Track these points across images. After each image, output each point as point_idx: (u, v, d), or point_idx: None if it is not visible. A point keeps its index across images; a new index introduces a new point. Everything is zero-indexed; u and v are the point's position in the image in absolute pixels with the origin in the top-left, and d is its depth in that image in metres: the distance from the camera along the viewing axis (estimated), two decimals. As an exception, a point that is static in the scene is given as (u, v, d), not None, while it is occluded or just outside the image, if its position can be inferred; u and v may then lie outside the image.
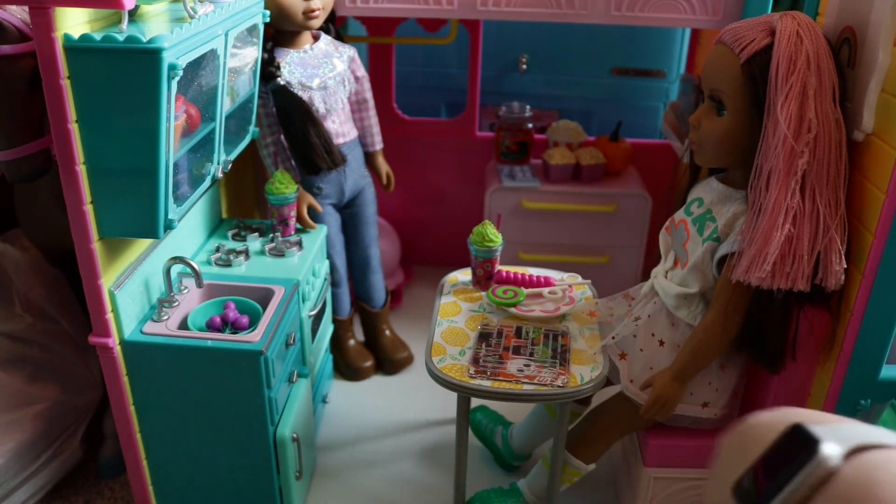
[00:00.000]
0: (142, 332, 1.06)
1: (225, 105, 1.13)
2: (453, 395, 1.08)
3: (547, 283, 1.25)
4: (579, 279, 1.29)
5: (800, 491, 0.31)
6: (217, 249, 1.31)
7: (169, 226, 0.97)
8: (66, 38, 0.82)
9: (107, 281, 0.98)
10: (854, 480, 0.30)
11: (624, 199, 1.72)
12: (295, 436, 1.15)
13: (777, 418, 0.38)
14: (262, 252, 1.33)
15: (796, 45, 0.88)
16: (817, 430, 0.32)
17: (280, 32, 1.38)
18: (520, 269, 1.29)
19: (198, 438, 1.12)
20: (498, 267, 1.27)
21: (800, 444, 0.32)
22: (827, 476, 0.30)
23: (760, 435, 0.37)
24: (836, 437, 0.32)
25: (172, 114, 0.90)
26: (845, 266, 0.92)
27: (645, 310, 1.10)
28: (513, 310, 1.18)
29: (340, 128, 1.44)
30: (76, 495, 1.30)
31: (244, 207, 1.64)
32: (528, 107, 1.78)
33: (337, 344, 1.60)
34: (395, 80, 1.85)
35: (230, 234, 1.39)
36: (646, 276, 1.25)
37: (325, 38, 1.44)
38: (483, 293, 1.26)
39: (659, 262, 1.10)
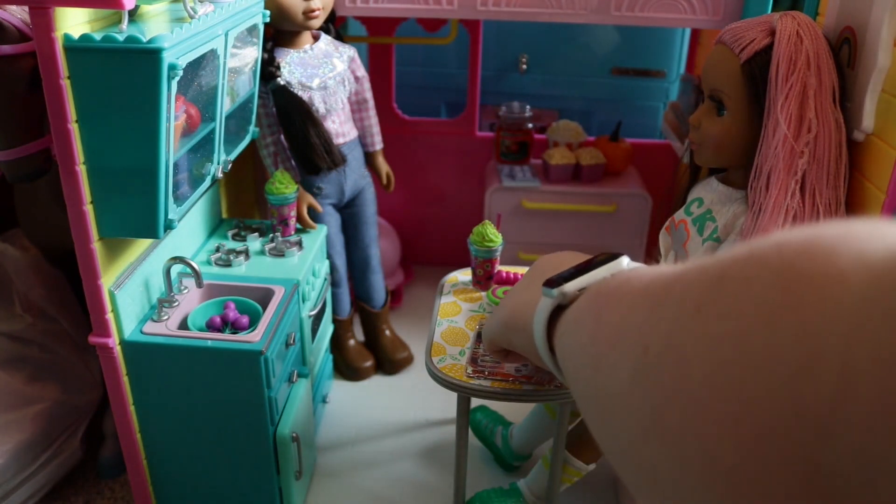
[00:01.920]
0: (142, 332, 1.06)
1: (225, 105, 1.13)
2: (453, 395, 1.08)
3: (547, 283, 1.25)
4: None
5: (599, 276, 0.49)
6: (217, 249, 1.31)
7: (169, 226, 0.97)
8: (66, 38, 0.82)
9: (107, 281, 0.98)
10: (597, 290, 0.43)
11: (624, 199, 1.72)
12: (295, 436, 1.15)
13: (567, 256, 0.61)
14: (262, 252, 1.33)
15: (796, 45, 0.88)
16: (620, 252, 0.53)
17: (280, 32, 1.38)
18: (522, 270, 1.29)
19: (198, 438, 1.13)
20: (498, 267, 1.27)
21: (608, 258, 0.53)
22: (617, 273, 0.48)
23: (569, 259, 0.59)
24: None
25: (172, 114, 0.90)
26: (845, 266, 0.92)
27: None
28: None
29: (340, 128, 1.44)
30: (76, 495, 1.30)
31: (244, 207, 1.64)
32: (528, 107, 1.78)
33: (337, 344, 1.60)
34: (395, 80, 1.85)
35: (230, 234, 1.39)
36: (646, 276, 1.25)
37: (325, 38, 1.44)
38: (483, 293, 1.26)
39: (659, 262, 1.10)
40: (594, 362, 0.34)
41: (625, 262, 0.52)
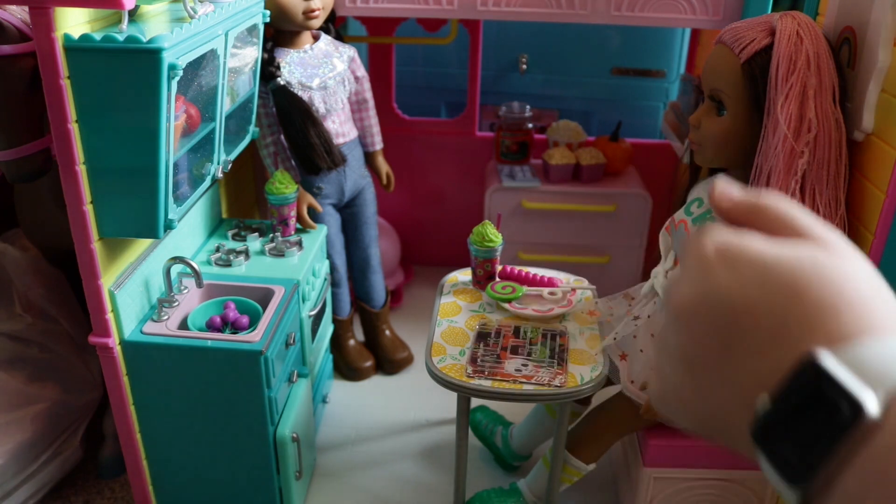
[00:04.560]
0: (142, 332, 1.06)
1: (225, 105, 1.13)
2: (453, 395, 1.08)
3: (551, 283, 1.25)
4: (585, 283, 1.28)
5: (835, 459, 0.24)
6: (217, 249, 1.31)
7: (169, 226, 0.97)
8: (66, 38, 0.82)
9: (107, 281, 0.98)
10: None
11: (624, 199, 1.72)
12: (295, 436, 1.15)
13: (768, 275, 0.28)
14: (262, 252, 1.33)
15: (796, 45, 0.88)
16: (842, 374, 0.24)
17: (280, 32, 1.38)
18: (528, 269, 1.28)
19: (198, 438, 1.12)
20: (499, 266, 1.27)
21: (820, 390, 0.24)
22: (867, 433, 0.23)
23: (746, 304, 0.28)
24: (868, 376, 0.24)
25: (172, 114, 0.90)
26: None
27: (645, 310, 1.10)
28: (506, 305, 1.18)
29: (340, 128, 1.44)
30: (76, 495, 1.30)
31: (244, 207, 1.64)
32: (528, 107, 1.78)
33: (337, 344, 1.60)
34: (395, 80, 1.85)
35: (230, 234, 1.39)
36: (646, 276, 1.25)
37: (325, 38, 1.44)
38: (483, 293, 1.26)
39: (659, 262, 1.10)
40: None
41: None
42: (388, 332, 1.66)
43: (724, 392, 0.28)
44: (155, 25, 0.93)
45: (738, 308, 0.28)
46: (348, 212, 1.55)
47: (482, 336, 1.14)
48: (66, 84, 0.84)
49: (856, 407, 0.23)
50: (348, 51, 1.45)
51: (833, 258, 0.28)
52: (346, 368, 1.61)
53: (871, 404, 0.23)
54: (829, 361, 0.24)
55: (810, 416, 0.24)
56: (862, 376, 0.24)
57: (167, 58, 0.83)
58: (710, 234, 0.30)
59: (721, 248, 0.29)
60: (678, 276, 0.32)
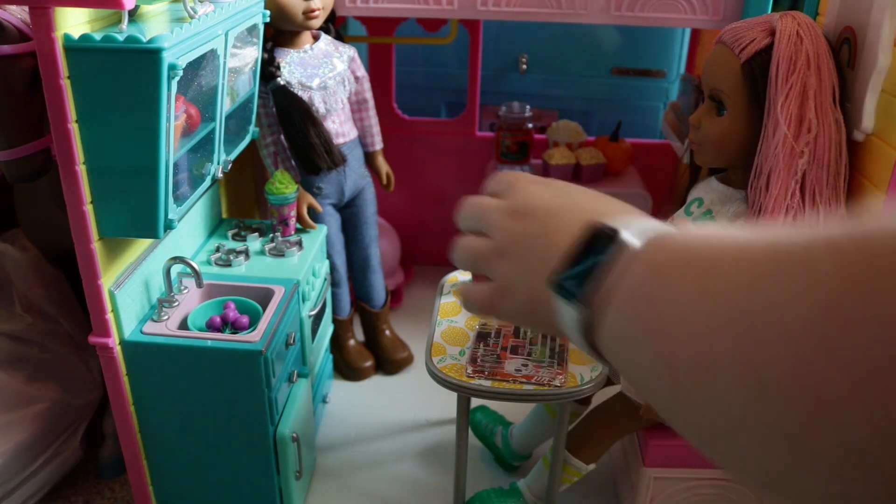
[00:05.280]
0: (142, 332, 1.06)
1: (225, 105, 1.13)
2: (453, 395, 1.08)
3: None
4: None
5: (608, 275, 0.33)
6: (217, 249, 1.31)
7: (169, 226, 0.97)
8: (66, 38, 0.82)
9: (107, 281, 0.98)
10: (652, 262, 0.31)
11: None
12: (295, 436, 1.15)
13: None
14: (262, 252, 1.33)
15: (796, 45, 0.88)
16: (611, 224, 0.35)
17: (280, 32, 1.38)
18: None
19: (198, 438, 1.12)
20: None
21: (601, 236, 0.35)
22: (630, 262, 0.32)
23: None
24: (628, 227, 0.34)
25: (172, 114, 0.90)
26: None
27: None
28: None
29: (340, 128, 1.44)
30: (76, 495, 1.30)
31: (244, 207, 1.64)
32: (528, 107, 1.78)
33: (337, 344, 1.60)
34: (395, 80, 1.85)
35: (230, 234, 1.39)
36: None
37: (325, 38, 1.44)
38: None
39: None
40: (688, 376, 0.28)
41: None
42: (388, 332, 1.66)
43: (532, 279, 0.39)
44: (155, 25, 0.93)
45: (536, 212, 0.40)
46: (348, 212, 1.55)
47: (482, 336, 1.14)
48: (66, 84, 0.84)
49: (620, 242, 0.33)
50: (348, 51, 1.45)
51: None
52: (346, 368, 1.61)
53: (632, 240, 0.33)
54: (602, 221, 0.35)
55: (589, 258, 0.34)
56: (624, 227, 0.34)
57: (167, 58, 0.83)
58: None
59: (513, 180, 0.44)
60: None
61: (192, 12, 0.93)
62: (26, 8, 0.93)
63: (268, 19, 1.24)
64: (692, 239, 0.31)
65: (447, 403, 1.48)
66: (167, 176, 0.93)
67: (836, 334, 0.22)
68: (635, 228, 0.34)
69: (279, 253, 1.31)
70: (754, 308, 0.25)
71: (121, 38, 0.82)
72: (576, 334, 0.36)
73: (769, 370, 0.24)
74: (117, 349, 1.02)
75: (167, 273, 1.10)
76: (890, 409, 0.21)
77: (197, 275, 1.09)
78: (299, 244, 1.35)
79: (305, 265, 1.29)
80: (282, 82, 1.34)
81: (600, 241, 0.34)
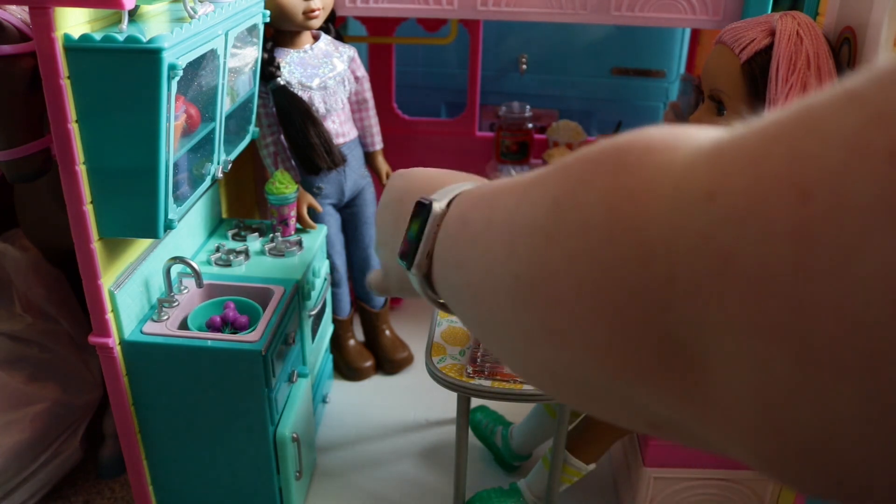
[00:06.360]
0: (142, 332, 1.06)
1: (225, 105, 1.13)
2: (453, 395, 1.08)
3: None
4: None
5: (429, 236, 0.41)
6: (217, 249, 1.31)
7: (169, 226, 0.97)
8: (66, 38, 0.82)
9: (107, 281, 0.98)
10: (458, 212, 0.39)
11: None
12: (295, 436, 1.15)
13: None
14: (262, 252, 1.33)
15: (796, 45, 0.88)
16: (428, 197, 0.42)
17: (280, 32, 1.38)
18: None
19: (198, 438, 1.12)
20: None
21: (423, 209, 0.43)
22: (440, 220, 0.41)
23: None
24: (438, 196, 0.42)
25: (172, 114, 0.90)
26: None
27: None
28: None
29: (340, 128, 1.44)
30: (76, 495, 1.30)
31: (244, 207, 1.64)
32: (528, 107, 1.78)
33: (337, 344, 1.60)
34: (395, 80, 1.85)
35: (230, 234, 1.39)
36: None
37: (325, 38, 1.44)
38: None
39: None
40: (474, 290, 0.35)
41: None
42: (388, 332, 1.66)
43: (395, 259, 0.45)
44: (155, 25, 0.93)
45: (391, 203, 0.49)
46: (348, 212, 1.55)
47: (482, 336, 1.14)
48: (66, 84, 0.84)
49: (431, 209, 0.40)
50: (348, 51, 1.45)
51: (419, 171, 0.50)
52: (346, 368, 1.61)
53: (437, 205, 0.40)
54: (424, 197, 0.42)
55: (419, 228, 0.41)
56: (439, 196, 0.41)
57: (167, 58, 0.83)
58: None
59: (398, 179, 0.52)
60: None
61: (192, 12, 0.93)
62: (26, 8, 0.93)
63: (268, 19, 1.24)
64: (486, 186, 0.39)
65: (447, 403, 1.48)
66: (167, 176, 0.93)
67: (558, 226, 0.27)
68: (444, 193, 0.41)
69: (279, 253, 1.31)
70: (515, 220, 0.31)
71: (121, 38, 0.82)
72: (425, 297, 0.43)
73: (521, 265, 0.29)
74: (117, 349, 1.02)
75: (167, 273, 1.10)
76: (601, 288, 0.24)
77: (197, 275, 1.09)
78: (299, 244, 1.35)
79: (305, 265, 1.29)
80: (282, 82, 1.34)
81: (423, 213, 0.41)
